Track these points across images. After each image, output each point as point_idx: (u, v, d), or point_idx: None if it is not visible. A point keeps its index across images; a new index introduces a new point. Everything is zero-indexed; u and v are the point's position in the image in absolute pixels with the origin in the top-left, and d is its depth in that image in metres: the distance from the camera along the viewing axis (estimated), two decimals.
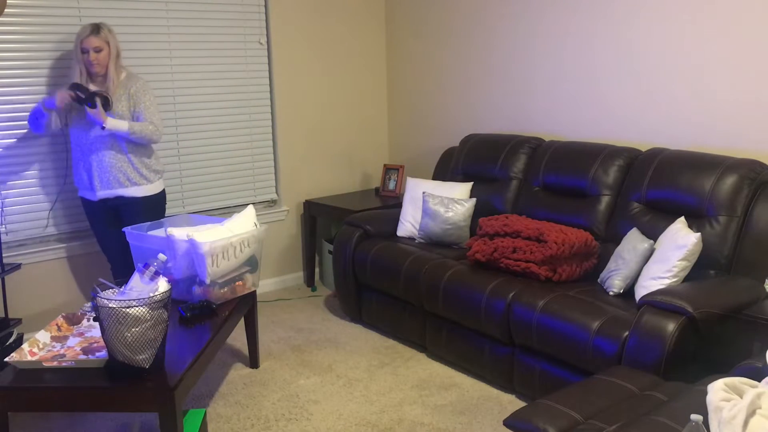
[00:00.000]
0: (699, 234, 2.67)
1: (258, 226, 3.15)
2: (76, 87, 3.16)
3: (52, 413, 2.93)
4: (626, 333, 2.49)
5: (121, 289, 2.37)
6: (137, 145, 3.34)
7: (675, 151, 3.13)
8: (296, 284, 4.67)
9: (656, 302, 2.44)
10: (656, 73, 3.37)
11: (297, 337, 3.75)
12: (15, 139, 3.48)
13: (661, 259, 2.70)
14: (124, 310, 2.15)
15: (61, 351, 2.46)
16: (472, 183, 3.87)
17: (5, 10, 3.30)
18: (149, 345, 2.23)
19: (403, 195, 3.99)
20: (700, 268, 2.75)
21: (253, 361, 3.36)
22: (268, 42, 4.30)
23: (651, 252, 2.82)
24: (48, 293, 3.65)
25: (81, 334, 2.62)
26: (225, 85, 4.15)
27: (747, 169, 2.84)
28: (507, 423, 1.98)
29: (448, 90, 4.49)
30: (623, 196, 3.21)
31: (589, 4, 3.60)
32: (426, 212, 3.68)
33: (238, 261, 3.01)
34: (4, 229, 3.49)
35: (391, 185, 4.57)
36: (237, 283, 3.07)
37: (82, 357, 2.39)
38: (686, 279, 2.68)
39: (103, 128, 3.15)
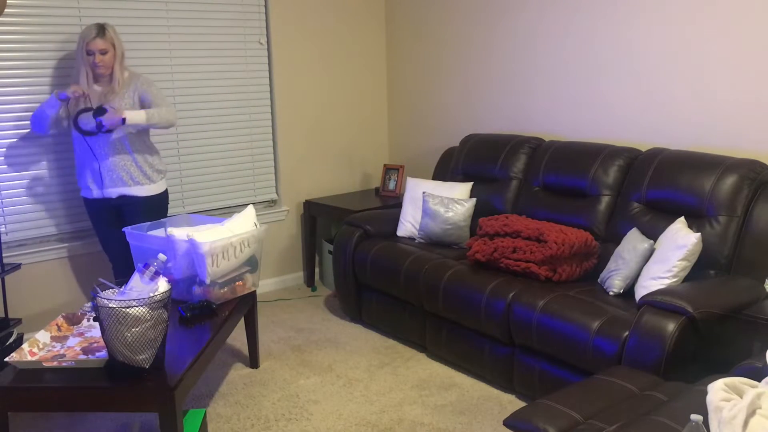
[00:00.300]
0: (699, 234, 2.67)
1: (258, 226, 3.15)
2: (81, 114, 3.21)
3: (52, 413, 2.93)
4: (626, 333, 2.49)
5: (121, 289, 2.37)
6: (142, 145, 3.35)
7: (675, 151, 3.13)
8: (296, 284, 4.67)
9: (656, 302, 2.44)
10: (656, 73, 3.37)
11: (297, 337, 3.75)
12: (15, 139, 3.48)
13: (661, 259, 2.70)
14: (124, 310, 2.15)
15: (61, 351, 2.46)
16: (472, 183, 3.87)
17: (5, 10, 3.30)
18: (149, 345, 2.23)
19: (403, 195, 3.99)
20: (700, 268, 2.75)
21: (253, 361, 3.36)
22: (268, 42, 4.30)
23: (651, 252, 2.82)
24: (48, 293, 3.65)
25: (81, 334, 2.62)
26: (225, 85, 4.15)
27: (747, 169, 2.84)
28: (507, 423, 1.98)
29: (448, 90, 4.49)
30: (623, 196, 3.21)
31: (590, 4, 3.60)
32: (426, 212, 3.68)
33: (238, 261, 3.01)
34: (4, 229, 3.49)
35: (391, 185, 4.57)
36: (237, 283, 3.07)
37: (82, 357, 2.39)
38: (686, 279, 2.68)
39: (124, 121, 3.15)
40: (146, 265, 2.41)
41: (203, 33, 4.02)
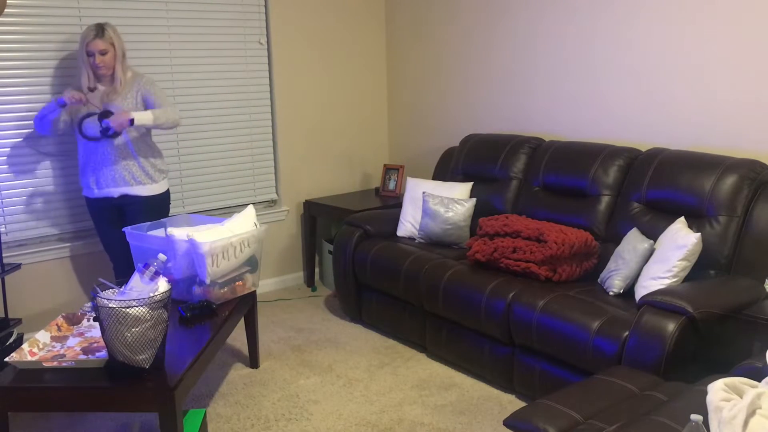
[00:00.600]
0: (699, 234, 2.67)
1: (258, 226, 3.15)
2: (85, 119, 3.22)
3: (52, 413, 2.93)
4: (626, 333, 2.49)
5: (121, 289, 2.37)
6: (145, 146, 3.35)
7: (675, 151, 3.13)
8: (296, 284, 4.67)
9: (656, 302, 2.44)
10: (656, 73, 3.37)
11: (297, 337, 3.75)
12: (16, 140, 3.48)
13: (661, 259, 2.70)
14: (124, 310, 2.15)
15: (61, 351, 2.46)
16: (472, 183, 3.87)
17: (5, 10, 3.30)
18: (149, 345, 2.23)
19: (403, 195, 3.99)
20: (700, 268, 2.75)
21: (253, 361, 3.36)
22: (268, 42, 4.30)
23: (651, 252, 2.82)
24: (48, 293, 3.65)
25: (81, 334, 2.62)
26: (225, 85, 4.15)
27: (747, 169, 2.84)
28: (507, 423, 1.98)
29: (448, 90, 4.49)
30: (623, 196, 3.21)
31: (590, 4, 3.60)
32: (426, 212, 3.68)
33: (238, 261, 3.01)
34: (4, 229, 3.49)
35: (391, 185, 4.57)
36: (237, 283, 3.07)
37: (82, 357, 2.39)
38: (686, 279, 2.68)
39: (132, 122, 3.16)
40: (146, 265, 2.41)
41: (203, 33, 4.02)
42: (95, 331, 2.63)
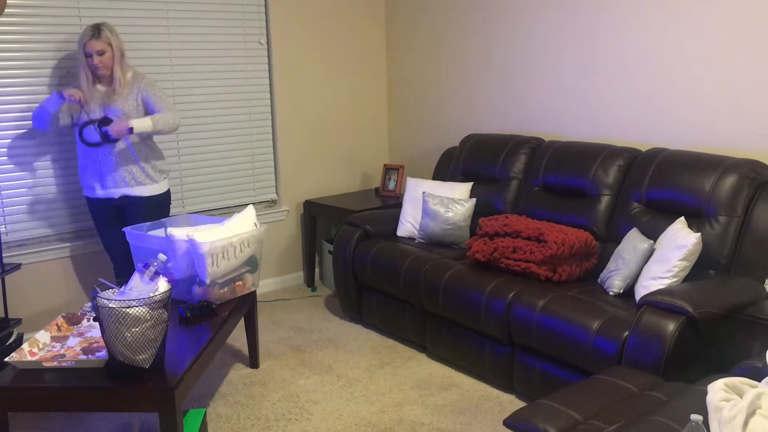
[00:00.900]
0: (699, 234, 2.67)
1: (258, 226, 3.15)
2: (85, 126, 3.21)
3: (52, 413, 2.93)
4: (626, 333, 2.49)
5: (121, 289, 2.37)
6: (146, 149, 3.35)
7: (675, 151, 3.13)
8: (296, 284, 4.67)
9: (656, 302, 2.44)
10: (656, 73, 3.37)
11: (297, 337, 3.75)
12: (16, 139, 3.48)
13: (661, 259, 2.70)
14: (124, 310, 2.15)
15: (61, 351, 2.46)
16: (472, 183, 3.87)
17: (5, 10, 3.30)
18: (149, 345, 2.23)
19: (403, 195, 3.99)
20: (700, 268, 2.75)
21: (253, 361, 3.36)
22: (268, 42, 4.30)
23: (651, 252, 2.82)
24: (48, 293, 3.65)
25: (81, 334, 2.62)
26: (225, 85, 4.15)
27: (747, 169, 2.84)
28: (507, 423, 1.98)
29: (448, 90, 4.49)
30: (623, 196, 3.21)
31: (590, 4, 3.60)
32: (426, 212, 3.68)
33: (238, 261, 3.01)
34: (4, 229, 3.49)
35: (391, 185, 4.57)
36: (237, 283, 3.07)
37: (82, 357, 2.39)
38: (686, 279, 2.68)
39: (132, 130, 3.16)
40: (146, 265, 2.41)
41: (203, 33, 4.02)
42: (95, 331, 2.63)
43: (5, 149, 3.46)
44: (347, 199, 4.49)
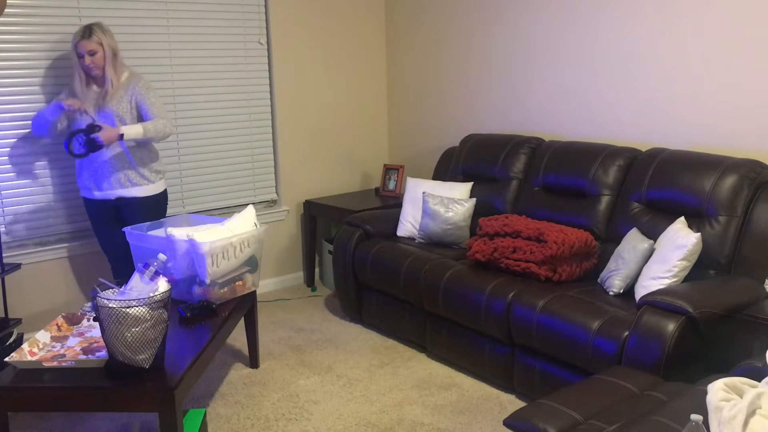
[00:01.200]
0: (699, 234, 2.67)
1: (258, 226, 3.15)
2: (73, 137, 3.15)
3: (52, 413, 2.93)
4: (626, 333, 2.49)
5: (121, 289, 2.37)
6: (140, 149, 3.34)
7: (675, 151, 3.13)
8: (296, 284, 4.67)
9: (656, 302, 2.44)
10: (656, 73, 3.37)
11: (297, 337, 3.75)
12: (15, 140, 3.48)
13: (661, 259, 2.70)
14: (124, 310, 2.15)
15: (61, 351, 2.46)
16: (472, 183, 3.87)
17: (5, 10, 3.30)
18: (149, 345, 2.23)
19: (403, 195, 3.99)
20: (700, 268, 2.75)
21: (253, 361, 3.36)
22: (268, 42, 4.30)
23: (651, 252, 2.82)
24: (48, 293, 3.65)
25: (81, 334, 2.62)
26: (225, 85, 4.15)
27: (747, 169, 2.84)
28: (507, 423, 1.98)
29: (448, 90, 4.49)
30: (623, 196, 3.21)
31: (590, 4, 3.60)
32: (426, 212, 3.68)
33: (238, 261, 3.01)
34: (4, 229, 3.49)
35: (391, 185, 4.57)
36: (237, 283, 3.07)
37: (82, 357, 2.39)
38: (686, 279, 2.68)
39: (122, 137, 3.14)
40: (146, 265, 2.41)
41: (203, 33, 4.02)
42: (95, 331, 2.63)
43: (5, 150, 3.45)
44: (347, 199, 4.49)
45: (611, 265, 2.95)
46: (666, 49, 3.31)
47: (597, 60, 3.61)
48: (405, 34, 4.73)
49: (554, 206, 3.44)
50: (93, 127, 3.12)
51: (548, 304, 2.78)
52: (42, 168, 3.56)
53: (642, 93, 3.44)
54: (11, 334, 3.25)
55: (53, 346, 2.50)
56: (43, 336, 2.53)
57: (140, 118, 3.31)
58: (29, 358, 2.37)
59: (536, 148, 3.73)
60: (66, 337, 2.58)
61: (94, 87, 3.27)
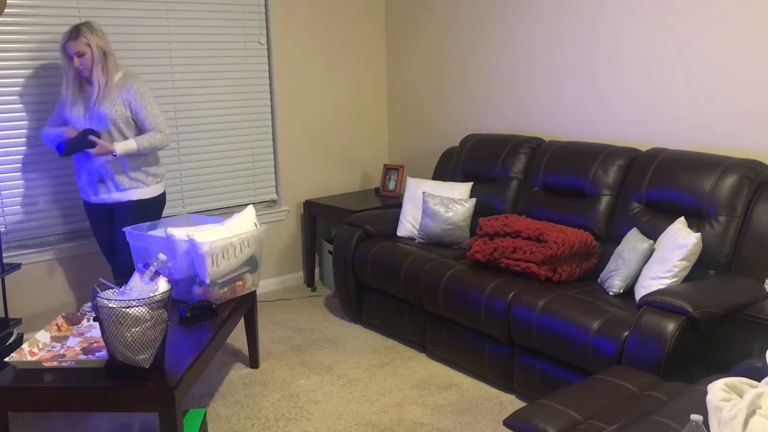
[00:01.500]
0: (699, 234, 2.67)
1: (258, 226, 3.15)
2: (67, 147, 3.13)
3: (52, 413, 2.93)
4: (626, 333, 2.49)
5: (121, 289, 2.37)
6: (138, 159, 3.28)
7: (675, 151, 3.13)
8: (296, 284, 4.67)
9: (656, 302, 2.44)
10: (656, 73, 3.37)
11: (297, 337, 3.75)
12: (15, 140, 3.48)
13: (661, 259, 2.70)
14: (124, 310, 2.15)
15: (61, 351, 2.46)
16: (472, 183, 3.87)
17: (5, 10, 3.30)
18: (149, 345, 2.23)
19: (403, 195, 3.99)
20: (700, 268, 2.75)
21: (253, 361, 3.36)
22: (268, 42, 4.30)
23: (651, 252, 2.82)
24: (48, 293, 3.65)
25: (81, 334, 2.62)
26: (225, 85, 4.15)
27: (747, 169, 2.84)
28: (507, 423, 1.98)
29: (448, 90, 4.49)
30: (623, 196, 3.21)
31: (590, 4, 3.60)
32: (426, 212, 3.68)
33: (238, 261, 3.01)
34: (4, 229, 3.49)
35: (391, 185, 4.57)
36: (237, 283, 3.07)
37: (82, 357, 2.39)
38: (686, 279, 2.68)
39: (115, 155, 3.13)
40: (146, 265, 2.41)
41: (203, 33, 4.02)
42: (95, 331, 2.63)
43: (5, 150, 3.46)
44: (347, 199, 4.49)
45: (611, 265, 2.95)
46: (666, 49, 3.31)
47: (597, 60, 3.61)
48: (405, 34, 4.73)
49: (554, 206, 3.44)
50: (89, 142, 3.09)
51: (548, 304, 2.78)
52: (42, 168, 3.56)
53: (642, 93, 3.44)
54: (11, 334, 3.25)
55: (53, 346, 2.50)
56: (43, 336, 2.53)
57: (135, 122, 3.24)
58: (29, 358, 2.37)
59: (536, 148, 3.73)
60: (66, 337, 2.58)
61: (88, 88, 3.21)
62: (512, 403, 2.97)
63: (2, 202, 3.48)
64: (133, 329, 2.17)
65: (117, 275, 3.48)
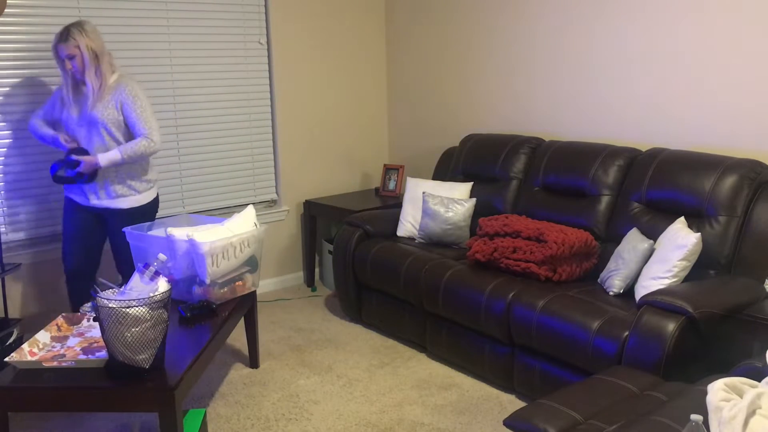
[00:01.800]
0: (699, 234, 2.67)
1: (258, 226, 3.15)
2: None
3: (52, 413, 2.93)
4: (626, 333, 2.49)
5: (121, 289, 2.37)
6: (131, 167, 3.22)
7: (675, 151, 3.13)
8: (296, 284, 4.67)
9: (656, 302, 2.44)
10: (656, 73, 3.37)
11: (297, 337, 3.75)
12: (15, 140, 3.48)
13: (661, 259, 2.70)
14: (124, 310, 2.15)
15: (61, 351, 2.46)
16: (472, 183, 3.87)
17: (5, 10, 3.30)
18: (149, 345, 2.23)
19: (403, 195, 3.99)
20: (700, 268, 2.75)
21: (253, 361, 3.36)
22: (268, 42, 4.31)
23: (651, 252, 2.82)
24: (48, 293, 3.65)
25: (81, 334, 2.62)
26: (225, 85, 4.15)
27: (747, 169, 2.84)
28: (507, 423, 1.98)
29: (448, 90, 4.49)
30: (623, 196, 3.21)
31: (590, 4, 3.60)
32: (426, 212, 3.68)
33: (238, 261, 3.01)
34: (4, 229, 3.49)
35: (391, 185, 4.57)
36: (237, 283, 3.07)
37: (82, 357, 2.39)
38: (686, 279, 2.68)
39: (101, 167, 3.08)
40: (146, 265, 2.41)
41: (203, 33, 4.02)
42: (95, 331, 2.63)
43: (5, 150, 3.46)
44: (347, 199, 4.49)
45: (611, 265, 2.95)
46: (666, 49, 3.31)
47: (597, 60, 3.61)
48: (405, 34, 4.73)
49: (554, 206, 3.44)
50: (73, 163, 3.05)
51: (548, 304, 2.78)
52: (42, 168, 3.56)
53: (642, 93, 3.44)
54: (11, 334, 3.25)
55: (53, 346, 2.50)
56: (43, 336, 2.53)
57: (126, 125, 3.16)
58: (29, 358, 2.37)
59: (536, 148, 3.73)
60: (66, 337, 2.58)
61: (84, 89, 3.14)
62: (512, 403, 2.97)
63: (2, 202, 3.48)
64: (133, 329, 2.17)
65: (72, 288, 3.36)
